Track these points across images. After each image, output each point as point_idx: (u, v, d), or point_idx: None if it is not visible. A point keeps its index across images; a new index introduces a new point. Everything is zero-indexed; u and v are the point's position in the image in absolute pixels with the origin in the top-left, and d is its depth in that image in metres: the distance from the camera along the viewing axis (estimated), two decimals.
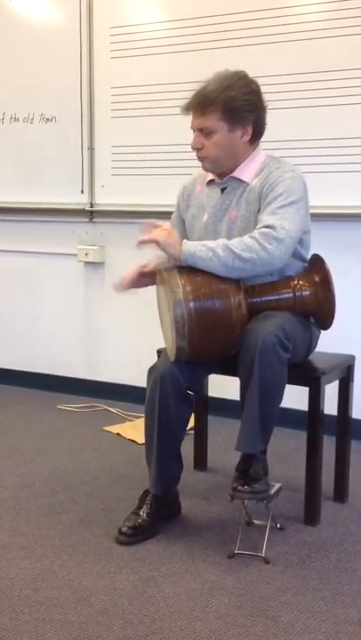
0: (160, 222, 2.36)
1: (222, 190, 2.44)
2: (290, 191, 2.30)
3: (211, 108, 2.31)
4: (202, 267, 2.22)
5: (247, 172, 2.40)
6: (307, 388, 2.45)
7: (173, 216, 2.63)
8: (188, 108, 2.36)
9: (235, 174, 2.41)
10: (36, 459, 3.11)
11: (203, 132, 2.35)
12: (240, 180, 2.41)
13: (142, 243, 2.31)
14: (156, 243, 2.27)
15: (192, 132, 2.39)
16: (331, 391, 2.54)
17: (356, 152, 3.15)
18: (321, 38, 3.16)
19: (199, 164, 2.45)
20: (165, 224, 2.36)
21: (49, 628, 1.91)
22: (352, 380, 2.67)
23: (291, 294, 2.34)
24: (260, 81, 3.18)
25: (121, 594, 2.07)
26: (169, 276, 2.24)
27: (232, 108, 2.31)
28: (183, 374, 2.32)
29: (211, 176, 2.48)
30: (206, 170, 2.46)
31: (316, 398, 2.44)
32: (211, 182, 2.49)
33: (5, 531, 2.44)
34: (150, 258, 2.39)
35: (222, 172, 2.43)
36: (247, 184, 2.39)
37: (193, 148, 2.39)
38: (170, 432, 2.37)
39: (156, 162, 3.55)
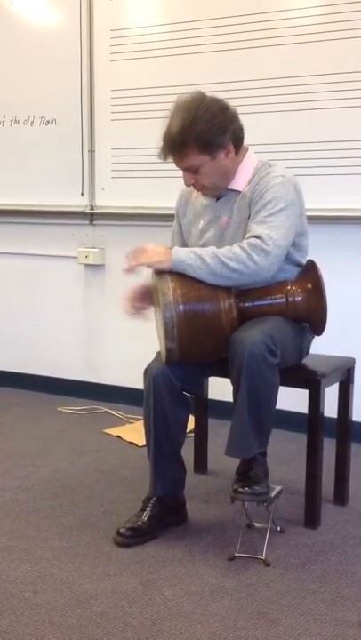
0: (141, 246, 2.34)
1: (217, 199, 2.45)
2: (278, 198, 2.29)
3: (185, 149, 2.29)
4: (190, 273, 2.23)
5: (240, 181, 2.39)
6: (307, 391, 2.45)
7: (174, 222, 2.64)
8: (165, 156, 2.34)
9: (229, 186, 2.41)
10: (37, 461, 3.11)
11: (189, 170, 2.34)
12: (233, 190, 2.40)
13: (132, 270, 2.31)
14: (147, 265, 2.29)
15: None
16: (331, 394, 2.54)
17: (359, 155, 3.16)
18: (318, 42, 3.17)
19: None
20: (148, 244, 2.33)
21: (49, 631, 1.91)
22: (352, 383, 2.66)
23: (283, 299, 2.34)
24: (257, 84, 3.20)
25: (121, 596, 2.07)
26: (160, 280, 2.26)
27: (205, 141, 2.28)
28: (176, 375, 2.33)
29: None
30: (210, 196, 2.45)
31: (316, 401, 2.44)
32: None
33: (5, 533, 2.44)
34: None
35: None
36: (240, 192, 2.39)
37: (187, 186, 2.41)
38: (167, 432, 2.37)
39: (156, 164, 3.50)
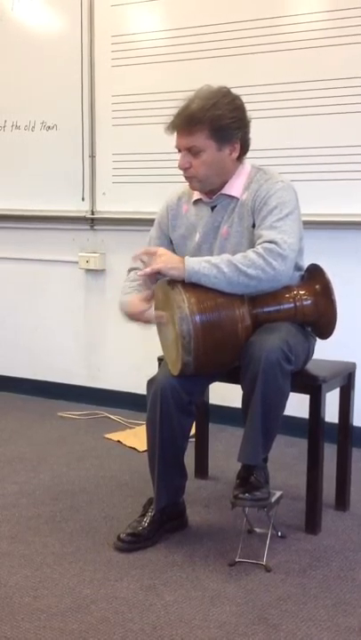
0: (152, 249, 2.33)
1: (212, 208, 2.41)
2: (284, 203, 2.28)
3: (198, 127, 2.27)
4: (206, 283, 2.19)
5: (236, 186, 2.37)
6: (308, 396, 2.45)
7: (153, 234, 2.55)
8: (173, 128, 2.31)
9: (224, 191, 2.37)
10: (37, 466, 3.11)
11: (190, 151, 2.30)
12: (230, 195, 2.37)
13: (145, 275, 2.28)
14: (159, 271, 2.25)
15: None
16: (332, 399, 2.54)
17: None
18: (318, 47, 3.17)
19: None
20: (160, 249, 2.31)
21: (49, 637, 1.90)
22: (353, 388, 2.66)
23: (292, 304, 2.32)
24: (258, 90, 3.20)
25: (121, 602, 2.06)
26: (173, 292, 2.21)
27: (220, 126, 2.27)
28: (184, 387, 2.30)
29: (197, 195, 2.44)
30: (194, 189, 2.41)
31: (316, 406, 2.44)
32: (198, 201, 2.45)
33: (6, 538, 2.44)
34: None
35: (210, 190, 2.39)
36: (237, 199, 2.36)
37: (180, 169, 2.35)
38: (173, 445, 2.35)
39: (156, 169, 3.55)
